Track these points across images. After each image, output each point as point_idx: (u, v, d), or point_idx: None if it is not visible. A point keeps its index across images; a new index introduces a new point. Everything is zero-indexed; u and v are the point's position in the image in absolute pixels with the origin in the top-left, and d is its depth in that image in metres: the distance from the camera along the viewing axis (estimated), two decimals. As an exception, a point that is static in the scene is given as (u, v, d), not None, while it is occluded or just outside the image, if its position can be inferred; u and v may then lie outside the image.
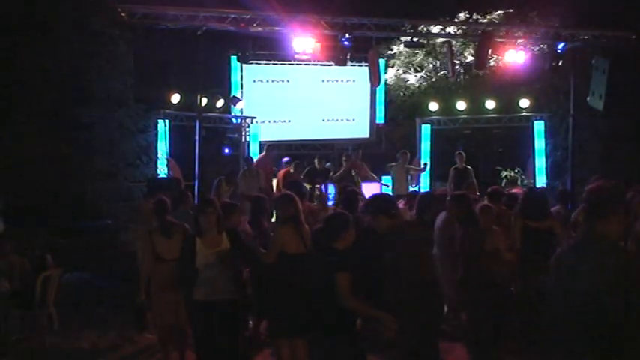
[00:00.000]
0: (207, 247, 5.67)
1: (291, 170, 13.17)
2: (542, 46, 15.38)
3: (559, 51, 14.16)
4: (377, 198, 5.95)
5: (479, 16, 16.80)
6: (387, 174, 14.41)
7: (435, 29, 15.96)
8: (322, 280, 5.02)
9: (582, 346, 3.42)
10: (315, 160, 13.83)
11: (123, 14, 11.78)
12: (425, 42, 15.00)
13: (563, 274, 3.55)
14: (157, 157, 13.35)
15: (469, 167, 14.11)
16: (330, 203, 11.27)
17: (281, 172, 13.18)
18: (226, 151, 17.20)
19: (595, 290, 3.38)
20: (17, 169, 11.25)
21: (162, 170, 13.31)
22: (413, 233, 5.56)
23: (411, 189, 13.67)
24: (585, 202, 3.65)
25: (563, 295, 3.52)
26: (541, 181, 15.75)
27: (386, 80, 16.76)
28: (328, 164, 14.52)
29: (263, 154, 14.52)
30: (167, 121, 13.69)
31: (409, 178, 14.53)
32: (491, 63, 14.94)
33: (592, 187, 3.70)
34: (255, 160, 13.76)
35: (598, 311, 3.36)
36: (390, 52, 17.94)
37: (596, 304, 3.36)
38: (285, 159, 13.79)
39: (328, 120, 17.08)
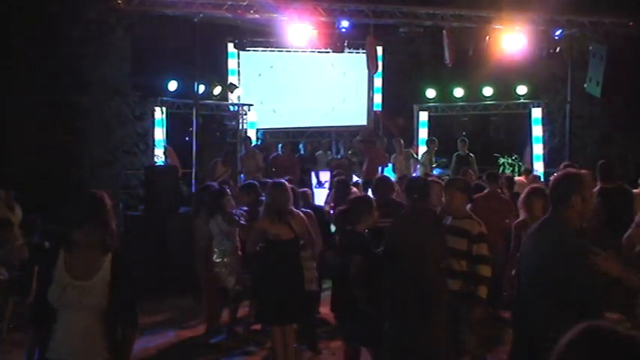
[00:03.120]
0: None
1: (280, 153, 13.30)
2: (539, 31, 15.33)
3: (556, 37, 14.15)
4: (412, 179, 6.07)
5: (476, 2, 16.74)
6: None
7: (433, 15, 15.89)
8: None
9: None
10: (300, 146, 13.98)
11: (119, 1, 11.74)
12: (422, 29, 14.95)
13: (526, 249, 3.93)
14: (155, 145, 13.35)
15: (471, 154, 14.18)
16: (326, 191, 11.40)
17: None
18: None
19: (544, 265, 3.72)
20: (15, 156, 11.25)
21: (159, 157, 13.31)
22: (412, 222, 5.46)
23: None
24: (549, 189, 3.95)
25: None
26: (538, 168, 15.76)
27: (383, 67, 16.72)
28: (319, 152, 14.54)
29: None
30: (164, 108, 13.68)
31: (411, 164, 14.59)
32: (489, 49, 14.91)
33: (556, 176, 4.05)
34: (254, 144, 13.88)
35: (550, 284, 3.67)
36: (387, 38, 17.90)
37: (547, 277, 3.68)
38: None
39: (326, 107, 17.04)
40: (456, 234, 5.64)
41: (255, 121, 15.54)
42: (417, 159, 14.84)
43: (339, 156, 13.84)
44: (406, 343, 4.99)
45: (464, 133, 15.92)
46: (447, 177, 12.54)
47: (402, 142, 14.50)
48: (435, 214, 5.40)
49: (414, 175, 13.90)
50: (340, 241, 5.89)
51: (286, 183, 6.43)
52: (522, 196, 6.23)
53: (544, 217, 3.96)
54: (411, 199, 5.40)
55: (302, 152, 14.12)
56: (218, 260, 7.31)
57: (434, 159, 14.73)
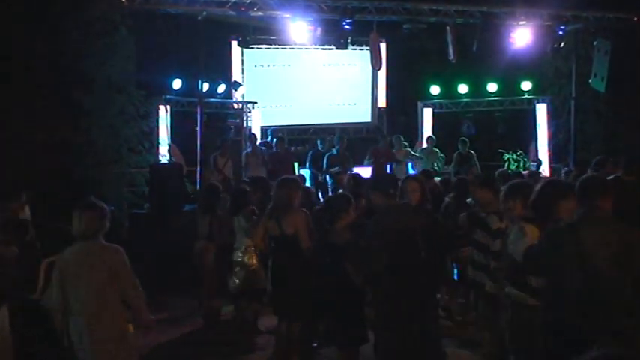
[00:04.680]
0: None
1: (278, 149, 13.31)
2: (544, 27, 15.29)
3: (561, 33, 14.10)
4: (378, 175, 6.01)
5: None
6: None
7: (436, 11, 15.87)
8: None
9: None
10: (318, 142, 14.03)
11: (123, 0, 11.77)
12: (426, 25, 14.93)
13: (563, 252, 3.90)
14: (159, 143, 13.36)
15: (472, 152, 14.18)
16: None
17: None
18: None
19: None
20: (18, 155, 11.26)
21: (164, 156, 13.33)
22: (396, 218, 5.28)
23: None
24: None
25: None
26: (544, 163, 15.72)
27: (387, 63, 16.69)
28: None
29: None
30: (169, 106, 13.69)
31: (410, 163, 14.54)
32: (492, 45, 14.88)
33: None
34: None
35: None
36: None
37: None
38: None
39: (330, 104, 17.05)
40: (480, 227, 5.81)
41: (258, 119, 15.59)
42: (417, 156, 14.76)
43: (334, 150, 13.79)
44: (398, 340, 4.97)
45: (463, 138, 15.51)
46: (448, 174, 12.57)
47: (402, 139, 14.51)
48: (411, 207, 5.34)
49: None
50: (321, 242, 5.83)
51: (293, 179, 6.43)
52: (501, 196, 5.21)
53: (591, 209, 3.95)
54: (385, 194, 5.26)
55: (319, 148, 14.18)
56: (239, 259, 7.30)
57: (438, 161, 14.68)
